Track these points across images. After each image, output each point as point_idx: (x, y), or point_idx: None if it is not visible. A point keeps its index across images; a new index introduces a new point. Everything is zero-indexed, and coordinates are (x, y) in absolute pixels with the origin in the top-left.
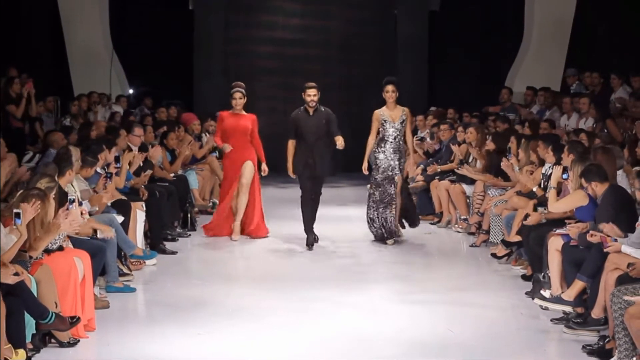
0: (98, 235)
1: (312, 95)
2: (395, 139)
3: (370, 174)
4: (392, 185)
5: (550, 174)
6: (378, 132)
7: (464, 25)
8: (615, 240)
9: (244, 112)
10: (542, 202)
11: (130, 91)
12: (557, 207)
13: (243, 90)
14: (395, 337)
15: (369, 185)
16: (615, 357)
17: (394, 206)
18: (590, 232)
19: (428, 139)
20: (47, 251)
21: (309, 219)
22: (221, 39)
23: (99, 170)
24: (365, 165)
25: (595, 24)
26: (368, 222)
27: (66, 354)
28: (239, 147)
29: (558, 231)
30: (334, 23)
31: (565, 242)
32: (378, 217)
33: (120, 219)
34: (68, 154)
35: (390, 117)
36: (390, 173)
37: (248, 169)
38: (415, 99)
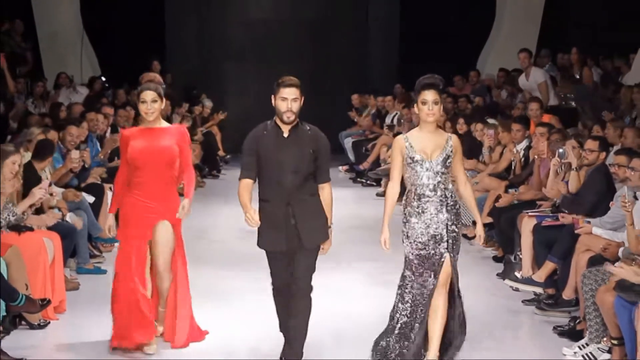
0: (68, 219)
1: (289, 98)
2: (435, 189)
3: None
4: (433, 275)
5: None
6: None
7: (436, 6)
8: (588, 222)
9: (164, 123)
10: (513, 184)
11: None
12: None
13: (160, 89)
14: (366, 318)
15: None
16: (585, 338)
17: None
18: (561, 213)
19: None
20: (16, 228)
21: (286, 322)
22: (194, 20)
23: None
24: (385, 234)
25: (567, 5)
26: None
27: (36, 335)
28: (156, 188)
29: (530, 212)
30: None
31: (536, 223)
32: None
33: (91, 199)
34: (49, 142)
35: (423, 151)
36: (432, 251)
37: (163, 236)
38: (386, 81)
